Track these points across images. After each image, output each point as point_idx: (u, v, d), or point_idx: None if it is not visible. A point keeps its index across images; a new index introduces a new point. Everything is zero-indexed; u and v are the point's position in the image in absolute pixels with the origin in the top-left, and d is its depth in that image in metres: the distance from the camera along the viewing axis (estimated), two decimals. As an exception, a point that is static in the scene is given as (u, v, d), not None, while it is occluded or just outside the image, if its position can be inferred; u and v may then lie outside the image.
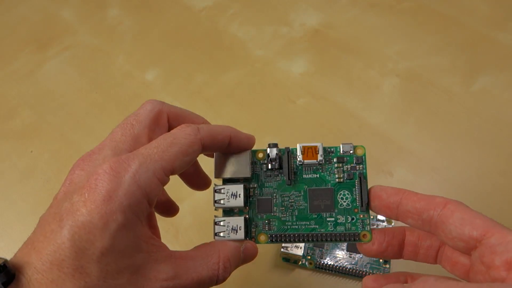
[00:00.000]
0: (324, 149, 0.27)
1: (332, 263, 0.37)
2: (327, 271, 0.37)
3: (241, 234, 0.25)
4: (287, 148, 0.27)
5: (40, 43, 0.55)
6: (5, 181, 0.45)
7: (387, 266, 0.36)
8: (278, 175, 0.27)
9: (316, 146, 0.27)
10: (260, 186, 0.27)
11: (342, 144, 0.27)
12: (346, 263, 0.37)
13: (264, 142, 0.28)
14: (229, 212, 0.27)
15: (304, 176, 0.27)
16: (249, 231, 0.26)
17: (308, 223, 0.26)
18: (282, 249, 0.36)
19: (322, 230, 0.26)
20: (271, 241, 0.26)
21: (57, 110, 0.49)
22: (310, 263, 0.37)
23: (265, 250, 0.39)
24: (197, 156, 0.24)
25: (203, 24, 0.55)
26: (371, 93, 0.48)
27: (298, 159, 0.27)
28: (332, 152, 0.27)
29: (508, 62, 0.49)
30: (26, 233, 0.32)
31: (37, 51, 0.54)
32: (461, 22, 0.52)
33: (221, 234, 0.25)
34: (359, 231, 0.26)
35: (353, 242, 0.26)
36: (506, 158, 0.43)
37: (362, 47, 0.51)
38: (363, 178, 0.26)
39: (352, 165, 0.27)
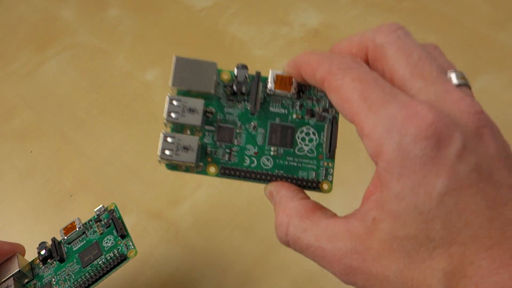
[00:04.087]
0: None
1: (250, 166, 0.23)
2: (243, 179, 0.24)
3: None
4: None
5: (40, 43, 0.55)
6: (5, 181, 0.45)
7: (330, 164, 0.24)
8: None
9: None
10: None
11: None
12: (268, 164, 0.24)
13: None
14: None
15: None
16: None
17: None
18: (160, 155, 0.22)
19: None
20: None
21: (57, 110, 0.49)
22: (213, 169, 0.23)
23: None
24: None
25: (203, 24, 0.55)
26: (371, 93, 0.48)
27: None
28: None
29: (508, 62, 0.49)
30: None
31: (37, 51, 0.54)
32: (461, 22, 0.52)
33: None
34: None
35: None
36: (506, 158, 0.43)
37: (362, 47, 0.51)
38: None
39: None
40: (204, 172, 0.23)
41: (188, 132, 0.23)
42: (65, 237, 0.31)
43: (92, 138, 0.47)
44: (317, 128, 0.24)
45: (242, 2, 0.56)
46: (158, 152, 0.22)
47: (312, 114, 0.24)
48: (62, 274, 0.31)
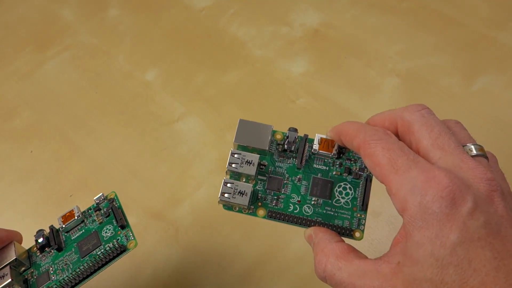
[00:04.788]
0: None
1: (293, 212, 0.28)
2: (286, 222, 0.28)
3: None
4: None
5: (40, 43, 0.55)
6: (5, 181, 0.45)
7: (363, 216, 0.28)
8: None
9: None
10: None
11: None
12: (309, 211, 0.28)
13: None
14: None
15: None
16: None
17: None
18: (220, 197, 0.28)
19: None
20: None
21: (57, 110, 0.49)
22: (262, 212, 0.28)
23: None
24: None
25: (203, 24, 0.55)
26: (371, 93, 0.48)
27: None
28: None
29: (508, 62, 0.49)
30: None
31: (37, 51, 0.54)
32: (461, 22, 0.52)
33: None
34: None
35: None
36: (506, 158, 0.43)
37: (362, 47, 0.51)
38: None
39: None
40: (254, 214, 0.28)
41: (244, 179, 0.28)
42: (63, 225, 0.30)
43: (92, 138, 0.47)
44: (353, 184, 0.28)
45: (242, 2, 0.57)
46: (219, 195, 0.27)
47: (349, 172, 0.28)
48: (60, 263, 0.30)
